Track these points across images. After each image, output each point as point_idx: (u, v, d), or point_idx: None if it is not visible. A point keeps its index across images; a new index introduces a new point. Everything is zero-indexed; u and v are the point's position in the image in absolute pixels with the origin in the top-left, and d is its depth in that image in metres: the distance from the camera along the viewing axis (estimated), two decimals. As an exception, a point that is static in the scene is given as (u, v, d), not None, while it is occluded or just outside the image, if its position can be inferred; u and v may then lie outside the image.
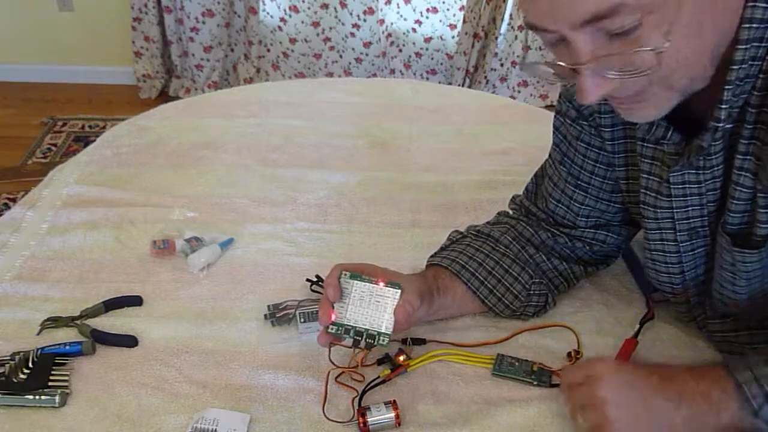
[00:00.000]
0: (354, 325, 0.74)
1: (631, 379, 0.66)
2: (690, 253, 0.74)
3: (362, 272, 0.77)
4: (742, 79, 0.58)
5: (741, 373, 0.61)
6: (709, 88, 0.59)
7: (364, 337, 0.74)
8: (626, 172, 0.79)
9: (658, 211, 0.72)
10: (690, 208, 0.70)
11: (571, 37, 0.54)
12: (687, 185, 0.68)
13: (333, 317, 0.74)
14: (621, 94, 0.59)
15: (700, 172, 0.67)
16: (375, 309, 0.75)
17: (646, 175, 0.73)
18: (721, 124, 0.60)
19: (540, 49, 0.58)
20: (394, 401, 0.73)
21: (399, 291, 0.75)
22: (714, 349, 0.81)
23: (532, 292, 0.86)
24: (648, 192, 0.73)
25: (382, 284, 0.75)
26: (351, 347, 0.76)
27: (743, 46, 0.56)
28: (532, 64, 0.61)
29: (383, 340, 0.74)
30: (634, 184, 0.79)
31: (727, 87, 0.58)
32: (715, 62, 0.57)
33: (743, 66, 0.57)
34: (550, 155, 0.89)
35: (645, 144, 0.72)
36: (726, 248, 0.67)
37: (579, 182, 0.84)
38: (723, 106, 0.59)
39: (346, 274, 0.76)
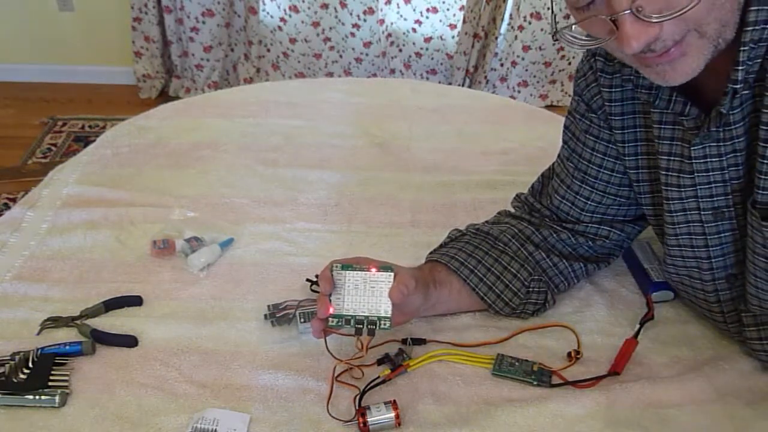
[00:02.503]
0: (353, 314, 0.75)
1: None
2: (716, 236, 0.74)
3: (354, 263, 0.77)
4: (756, 41, 0.60)
5: None
6: (720, 62, 0.60)
7: (365, 324, 0.74)
8: (637, 161, 0.80)
9: (683, 190, 0.73)
10: (713, 185, 0.71)
11: None
12: (708, 159, 0.69)
13: (331, 310, 0.75)
14: (660, 46, 0.58)
15: (721, 144, 0.67)
16: (371, 295, 0.75)
17: (666, 157, 0.74)
18: (738, 86, 0.61)
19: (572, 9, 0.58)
20: (394, 401, 0.73)
21: (392, 273, 0.75)
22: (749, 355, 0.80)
23: (531, 289, 0.86)
24: (670, 173, 0.74)
25: (374, 270, 0.76)
26: (351, 335, 0.76)
27: (756, 8, 0.58)
28: (565, 30, 0.61)
29: (385, 324, 0.74)
30: (645, 173, 0.79)
31: (742, 48, 0.59)
32: (738, 12, 0.58)
33: (756, 28, 0.59)
34: (559, 154, 0.90)
35: (663, 126, 0.73)
36: (756, 227, 0.67)
37: (586, 177, 0.84)
38: (740, 68, 0.60)
39: (337, 266, 0.76)
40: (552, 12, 0.63)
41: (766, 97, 0.61)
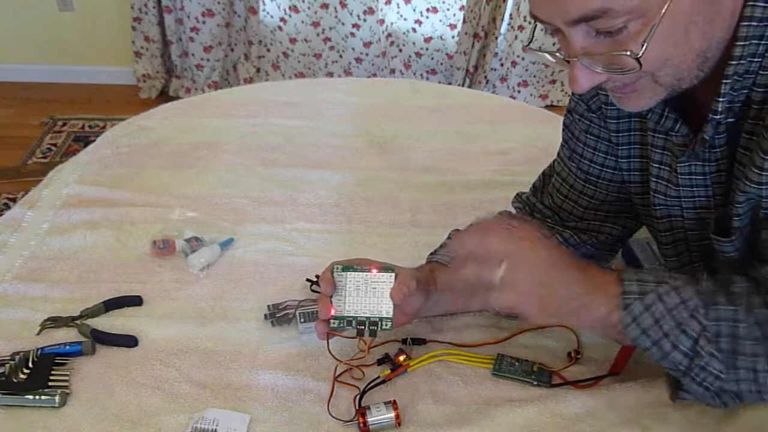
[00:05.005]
0: (354, 315, 0.75)
1: (547, 254, 0.67)
2: (697, 243, 0.75)
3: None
4: (741, 74, 0.60)
5: (628, 273, 0.66)
6: (714, 83, 0.61)
7: (367, 325, 0.74)
8: (629, 163, 0.80)
9: (668, 199, 0.74)
10: (697, 198, 0.72)
11: (565, 31, 0.59)
12: (693, 176, 0.70)
13: (332, 311, 0.75)
14: (610, 86, 0.62)
15: (706, 164, 0.69)
16: (372, 296, 0.75)
17: (657, 165, 0.75)
18: (718, 117, 0.62)
19: (545, 32, 0.61)
20: (394, 401, 0.73)
21: (393, 274, 0.75)
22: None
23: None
24: (659, 180, 0.75)
25: (375, 271, 0.76)
26: (354, 337, 0.76)
27: (742, 43, 0.58)
28: (534, 49, 0.66)
29: (386, 325, 0.74)
30: (636, 175, 0.80)
31: (724, 81, 0.60)
32: (703, 65, 0.60)
33: (741, 62, 0.59)
34: (558, 153, 0.90)
35: (656, 134, 0.74)
36: (711, 236, 0.69)
37: (588, 176, 0.85)
38: (720, 99, 0.61)
39: (338, 267, 0.76)
40: (533, 30, 0.66)
41: (747, 123, 0.63)
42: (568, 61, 0.60)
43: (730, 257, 0.68)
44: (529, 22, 2.79)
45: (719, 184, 0.69)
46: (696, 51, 0.58)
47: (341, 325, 0.75)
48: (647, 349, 0.64)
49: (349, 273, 0.76)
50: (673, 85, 0.61)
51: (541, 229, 0.69)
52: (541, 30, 0.64)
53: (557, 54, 0.62)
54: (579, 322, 0.71)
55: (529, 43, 0.66)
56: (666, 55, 0.57)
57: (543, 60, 0.65)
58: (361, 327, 0.74)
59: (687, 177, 0.71)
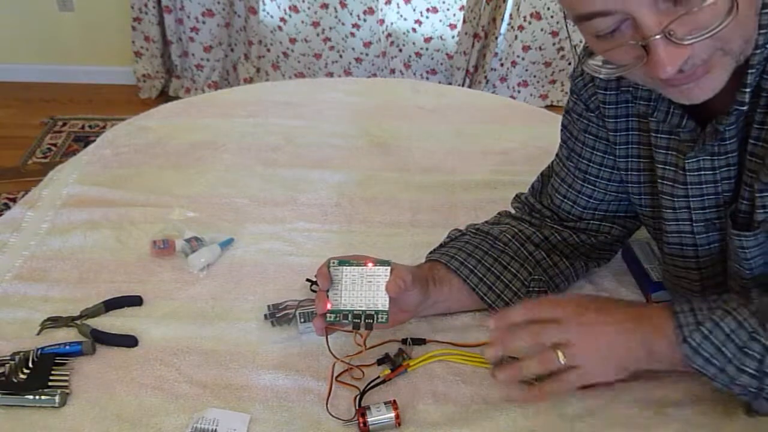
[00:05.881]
0: (351, 308, 0.75)
1: (597, 317, 0.69)
2: (706, 247, 0.74)
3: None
4: (762, 63, 0.60)
5: (680, 305, 0.66)
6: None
7: (363, 318, 0.74)
8: (627, 162, 0.80)
9: (675, 200, 0.74)
10: (705, 197, 0.71)
11: (636, 13, 0.54)
12: (702, 172, 0.70)
13: (328, 306, 0.75)
14: (689, 66, 0.57)
15: (715, 158, 0.68)
16: (368, 289, 0.75)
17: (661, 165, 0.74)
18: (744, 108, 0.62)
19: (598, 36, 0.59)
20: (394, 401, 0.73)
21: (389, 267, 0.75)
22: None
23: (531, 289, 0.86)
24: (665, 182, 0.74)
25: (371, 265, 0.76)
26: (351, 331, 0.76)
27: (764, 32, 0.58)
28: (592, 60, 0.62)
29: (382, 318, 0.74)
30: (635, 175, 0.80)
31: (750, 71, 0.60)
32: (758, 23, 0.59)
33: (764, 50, 0.59)
34: (557, 153, 0.90)
35: (659, 135, 0.73)
36: (729, 234, 0.68)
37: (587, 176, 0.85)
38: (747, 90, 0.61)
39: (334, 262, 0.76)
40: (571, 44, 0.62)
41: (757, 113, 0.63)
42: (645, 48, 0.55)
43: (755, 262, 0.67)
44: (530, 23, 2.80)
45: (728, 179, 0.69)
46: (757, 5, 0.57)
47: (338, 319, 0.75)
48: (714, 377, 0.64)
49: (345, 267, 0.76)
50: (740, 51, 0.58)
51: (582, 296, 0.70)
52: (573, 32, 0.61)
53: (630, 42, 0.56)
54: (651, 366, 0.69)
55: (583, 57, 0.63)
56: (743, 10, 0.54)
57: (600, 72, 0.61)
58: (357, 320, 0.74)
59: (696, 173, 0.70)
